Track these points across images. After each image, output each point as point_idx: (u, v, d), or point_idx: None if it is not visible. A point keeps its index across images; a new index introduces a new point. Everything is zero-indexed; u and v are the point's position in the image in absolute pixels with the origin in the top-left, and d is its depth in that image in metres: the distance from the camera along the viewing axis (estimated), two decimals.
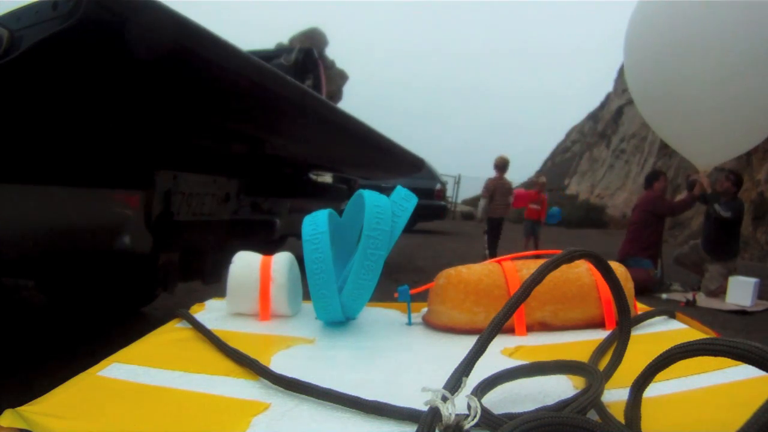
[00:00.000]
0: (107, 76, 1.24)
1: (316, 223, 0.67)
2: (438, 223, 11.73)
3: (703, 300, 4.52)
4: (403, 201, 0.69)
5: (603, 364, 0.51)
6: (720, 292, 4.58)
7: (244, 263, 0.77)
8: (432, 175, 10.59)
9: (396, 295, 0.76)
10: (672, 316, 0.73)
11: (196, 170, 1.90)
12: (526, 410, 0.39)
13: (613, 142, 21.78)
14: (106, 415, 0.44)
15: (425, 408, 0.35)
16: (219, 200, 2.08)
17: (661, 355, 0.37)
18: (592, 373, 0.42)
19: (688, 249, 5.24)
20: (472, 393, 0.40)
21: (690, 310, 4.00)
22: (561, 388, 0.48)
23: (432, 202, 10.24)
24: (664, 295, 4.62)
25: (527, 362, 0.47)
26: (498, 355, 0.58)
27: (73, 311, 2.66)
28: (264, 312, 0.75)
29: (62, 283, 2.52)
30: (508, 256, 0.78)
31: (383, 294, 0.80)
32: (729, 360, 0.33)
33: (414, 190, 0.74)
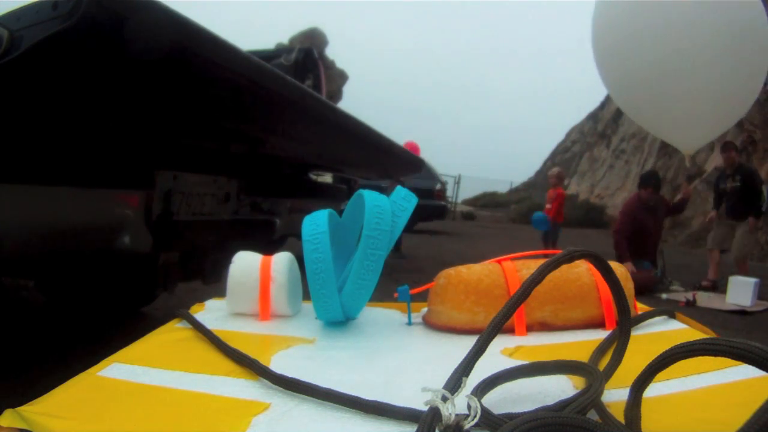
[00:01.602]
0: (107, 76, 1.23)
1: (316, 223, 0.67)
2: (438, 223, 11.75)
3: (703, 300, 4.51)
4: (403, 201, 0.69)
5: (603, 364, 0.51)
6: (747, 254, 4.82)
7: (244, 263, 0.77)
8: (432, 175, 10.59)
9: (396, 295, 0.76)
10: (672, 316, 0.73)
11: (196, 170, 1.90)
12: (526, 410, 0.39)
13: (613, 142, 21.77)
14: (106, 415, 0.44)
15: (425, 408, 0.35)
16: (219, 200, 2.08)
17: (661, 354, 0.37)
18: (592, 373, 0.42)
19: (717, 230, 5.34)
20: (472, 393, 0.40)
21: (690, 310, 4.01)
22: (561, 388, 0.48)
23: (432, 202, 10.24)
24: (664, 295, 4.62)
25: (527, 362, 0.47)
26: (498, 355, 0.58)
27: (73, 311, 2.66)
28: (264, 312, 0.75)
29: (62, 283, 2.52)
30: (508, 256, 0.78)
31: (383, 294, 0.80)
32: (728, 360, 0.33)
33: (414, 190, 0.74)
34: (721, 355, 0.33)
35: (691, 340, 0.36)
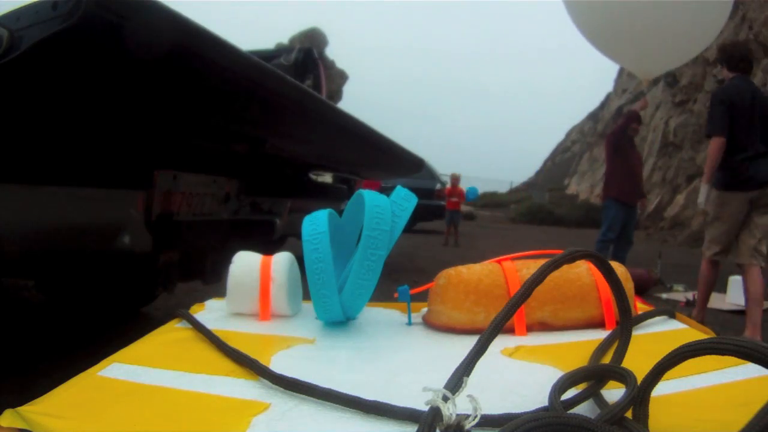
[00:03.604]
0: (107, 76, 1.23)
1: (316, 223, 0.67)
2: (438, 223, 11.74)
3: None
4: (403, 201, 0.69)
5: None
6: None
7: (244, 263, 0.77)
8: (432, 175, 10.60)
9: (396, 295, 0.76)
10: (672, 316, 0.73)
11: (196, 170, 1.90)
12: (526, 410, 0.39)
13: None
14: (106, 415, 0.44)
15: (425, 408, 0.35)
16: (219, 200, 2.08)
17: (670, 353, 0.37)
18: (626, 377, 0.42)
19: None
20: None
21: (690, 310, 4.00)
22: None
23: (432, 202, 10.24)
24: (664, 295, 4.62)
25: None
26: (498, 355, 0.58)
27: (73, 311, 2.66)
28: (264, 312, 0.75)
29: (62, 283, 2.52)
30: (508, 256, 0.78)
31: (383, 294, 0.80)
32: (729, 360, 0.33)
33: (414, 190, 0.74)
34: (729, 354, 0.33)
35: (691, 340, 0.36)
